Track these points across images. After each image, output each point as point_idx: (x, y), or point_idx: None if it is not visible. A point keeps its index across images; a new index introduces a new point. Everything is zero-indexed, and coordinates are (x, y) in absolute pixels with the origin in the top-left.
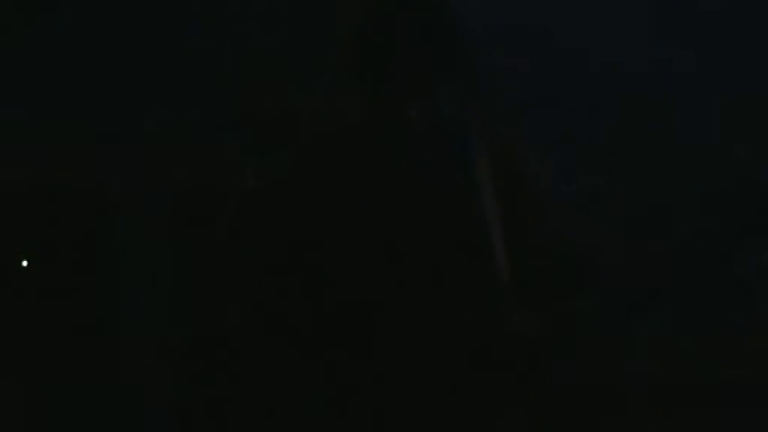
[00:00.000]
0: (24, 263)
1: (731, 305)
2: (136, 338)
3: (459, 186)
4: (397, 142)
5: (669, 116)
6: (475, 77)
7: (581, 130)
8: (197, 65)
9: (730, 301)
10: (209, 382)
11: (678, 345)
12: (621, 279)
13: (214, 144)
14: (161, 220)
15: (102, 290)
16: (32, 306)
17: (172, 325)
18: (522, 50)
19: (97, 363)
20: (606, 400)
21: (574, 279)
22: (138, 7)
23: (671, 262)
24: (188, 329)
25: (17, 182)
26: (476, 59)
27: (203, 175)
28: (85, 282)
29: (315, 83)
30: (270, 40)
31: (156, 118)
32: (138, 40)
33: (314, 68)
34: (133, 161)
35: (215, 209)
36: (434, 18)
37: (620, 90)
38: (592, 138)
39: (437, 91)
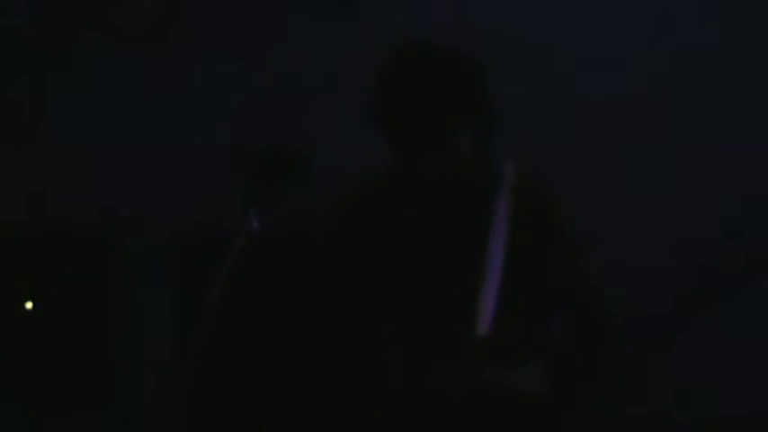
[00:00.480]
0: (29, 305)
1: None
2: (140, 384)
3: (469, 239)
4: (417, 195)
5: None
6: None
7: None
8: (202, 106)
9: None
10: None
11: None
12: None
13: (219, 187)
14: (166, 265)
15: (106, 336)
16: (35, 348)
17: (177, 370)
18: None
19: (101, 406)
20: None
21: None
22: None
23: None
24: (193, 375)
25: (22, 224)
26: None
27: (208, 218)
28: (90, 328)
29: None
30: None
31: (160, 160)
32: (141, 82)
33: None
34: (137, 205)
35: (220, 252)
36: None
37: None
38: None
39: (458, 143)
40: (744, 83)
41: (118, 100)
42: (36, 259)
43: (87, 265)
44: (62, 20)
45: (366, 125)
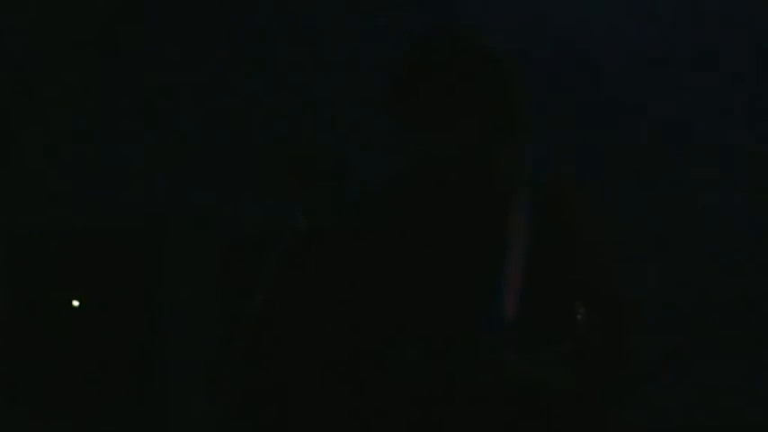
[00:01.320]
0: (75, 303)
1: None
2: (182, 376)
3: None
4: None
5: None
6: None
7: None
8: (249, 108)
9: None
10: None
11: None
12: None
13: (267, 187)
14: (212, 265)
15: (148, 334)
16: (83, 345)
17: (219, 367)
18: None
19: (144, 404)
20: None
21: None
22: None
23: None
24: (236, 370)
25: (71, 222)
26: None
27: (255, 218)
28: (132, 326)
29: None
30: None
31: (208, 160)
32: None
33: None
34: (185, 205)
35: (267, 252)
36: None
37: None
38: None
39: (468, 127)
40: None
41: (157, 100)
42: (81, 257)
43: (130, 264)
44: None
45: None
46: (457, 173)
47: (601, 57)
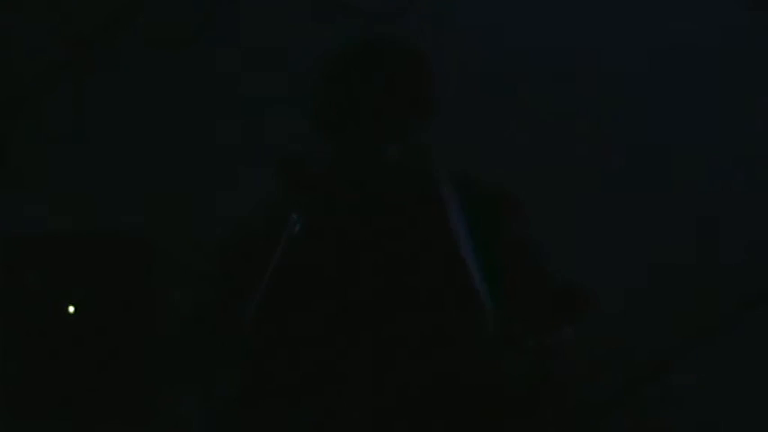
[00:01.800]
0: (71, 309)
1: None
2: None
3: (441, 231)
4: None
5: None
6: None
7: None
8: (243, 109)
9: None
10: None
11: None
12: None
13: (260, 191)
14: (205, 268)
15: (148, 341)
16: (78, 351)
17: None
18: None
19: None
20: None
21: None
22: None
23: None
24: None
25: (65, 228)
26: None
27: (249, 220)
28: (132, 332)
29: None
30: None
31: (200, 164)
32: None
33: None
34: (178, 208)
35: (263, 256)
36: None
37: None
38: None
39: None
40: None
41: (156, 103)
42: (80, 264)
43: (131, 270)
44: (98, 25)
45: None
46: (379, 173)
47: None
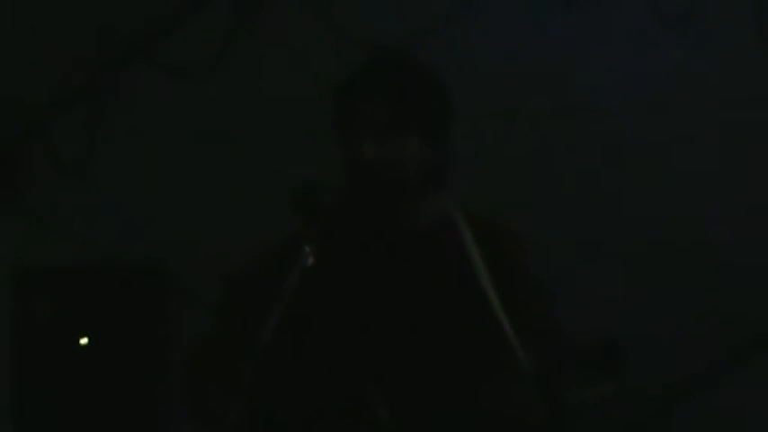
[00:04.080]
0: (84, 341)
1: None
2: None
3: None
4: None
5: None
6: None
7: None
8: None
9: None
10: None
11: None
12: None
13: (277, 222)
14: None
15: (161, 372)
16: (89, 383)
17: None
18: None
19: None
20: None
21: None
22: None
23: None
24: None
25: (78, 259)
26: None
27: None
28: (145, 363)
29: None
30: None
31: (213, 194)
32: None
33: None
34: (190, 239)
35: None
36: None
37: None
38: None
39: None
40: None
41: (173, 134)
42: (93, 294)
43: (144, 301)
44: (115, 55)
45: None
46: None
47: None
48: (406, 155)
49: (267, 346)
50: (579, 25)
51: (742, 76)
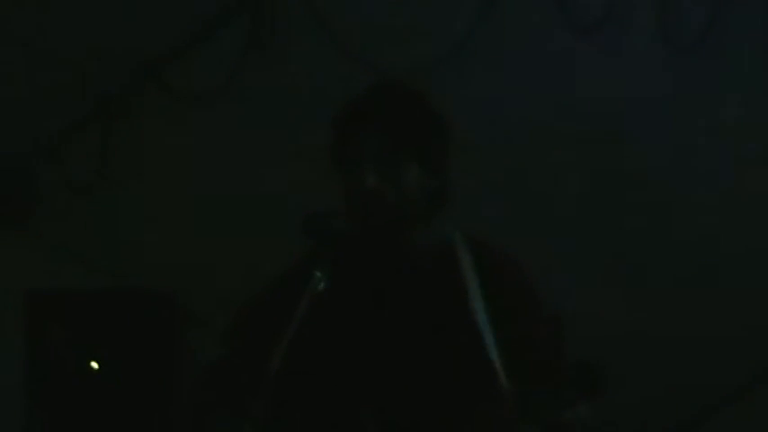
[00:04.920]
0: (94, 365)
1: None
2: None
3: (452, 296)
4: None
5: None
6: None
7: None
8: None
9: None
10: None
11: None
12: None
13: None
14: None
15: (170, 398)
16: (100, 407)
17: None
18: None
19: None
20: None
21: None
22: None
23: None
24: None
25: (87, 284)
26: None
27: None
28: (155, 389)
29: None
30: None
31: (224, 220)
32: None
33: None
34: (202, 265)
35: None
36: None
37: None
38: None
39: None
40: None
41: (184, 158)
42: (105, 320)
43: (155, 327)
44: (127, 78)
45: None
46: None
47: None
48: (405, 183)
49: (277, 372)
50: (591, 50)
51: (754, 101)
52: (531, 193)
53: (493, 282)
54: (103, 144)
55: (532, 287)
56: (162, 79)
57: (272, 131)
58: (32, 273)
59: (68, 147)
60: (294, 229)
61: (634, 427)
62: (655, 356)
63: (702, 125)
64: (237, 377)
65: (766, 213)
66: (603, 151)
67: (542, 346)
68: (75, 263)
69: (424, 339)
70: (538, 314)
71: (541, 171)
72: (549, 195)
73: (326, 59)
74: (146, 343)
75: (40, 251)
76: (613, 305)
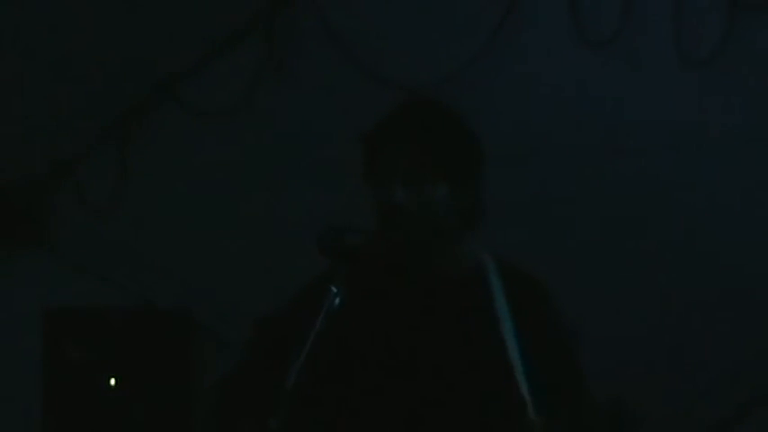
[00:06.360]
0: (112, 381)
1: None
2: None
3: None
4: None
5: None
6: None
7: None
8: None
9: None
10: None
11: None
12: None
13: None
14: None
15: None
16: (117, 425)
17: None
18: None
19: None
20: None
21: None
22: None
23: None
24: None
25: (107, 301)
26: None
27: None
28: (173, 408)
29: None
30: None
31: (240, 237)
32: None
33: None
34: (217, 282)
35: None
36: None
37: None
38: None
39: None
40: None
41: (201, 176)
42: (121, 337)
43: (172, 345)
44: (143, 96)
45: None
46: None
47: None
48: (435, 200)
49: (295, 388)
50: (607, 66)
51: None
52: (553, 215)
53: (523, 313)
54: (120, 163)
55: (560, 314)
56: (178, 98)
57: (289, 148)
58: (50, 291)
59: (85, 165)
60: (310, 245)
61: None
62: (678, 381)
63: (716, 138)
64: (256, 391)
65: None
66: (623, 167)
67: (571, 381)
68: (92, 281)
69: (450, 367)
70: (565, 346)
71: (562, 190)
72: (571, 216)
73: (341, 76)
74: (162, 361)
75: (57, 270)
76: (638, 327)
